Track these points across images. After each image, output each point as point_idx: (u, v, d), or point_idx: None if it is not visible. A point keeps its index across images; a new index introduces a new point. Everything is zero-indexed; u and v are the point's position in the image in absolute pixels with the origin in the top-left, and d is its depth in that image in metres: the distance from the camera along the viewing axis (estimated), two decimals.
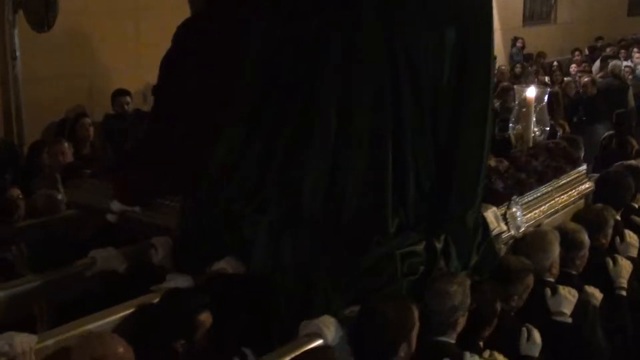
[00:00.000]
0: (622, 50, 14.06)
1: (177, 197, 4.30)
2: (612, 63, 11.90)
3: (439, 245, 3.75)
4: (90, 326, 3.34)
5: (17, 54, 7.22)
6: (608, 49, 14.43)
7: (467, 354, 3.48)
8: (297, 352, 3.15)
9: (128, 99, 7.92)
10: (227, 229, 4.01)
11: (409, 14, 3.96)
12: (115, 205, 4.43)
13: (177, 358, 3.35)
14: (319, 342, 3.24)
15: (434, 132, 3.97)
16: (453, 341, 3.60)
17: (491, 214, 4.08)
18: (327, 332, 3.28)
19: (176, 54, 4.77)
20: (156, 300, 3.56)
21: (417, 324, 3.36)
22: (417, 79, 3.93)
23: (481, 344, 3.74)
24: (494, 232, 4.06)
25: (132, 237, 4.36)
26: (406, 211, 3.82)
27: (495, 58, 4.22)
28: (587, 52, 14.83)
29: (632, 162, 5.98)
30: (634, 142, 7.75)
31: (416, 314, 3.38)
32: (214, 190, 4.10)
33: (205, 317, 3.42)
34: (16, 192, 5.03)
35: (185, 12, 4.99)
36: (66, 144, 6.49)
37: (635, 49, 13.61)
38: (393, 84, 3.87)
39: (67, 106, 7.73)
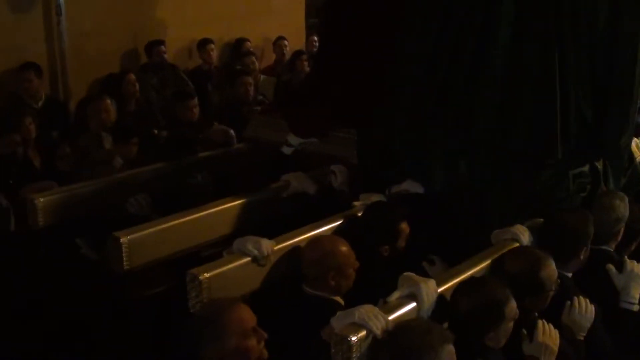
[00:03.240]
0: None
1: (351, 130, 4.70)
2: None
3: (599, 167, 4.24)
4: (311, 234, 3.81)
5: (63, 9, 7.12)
6: None
7: (627, 260, 3.95)
8: (499, 254, 3.61)
9: (163, 48, 7.86)
10: (403, 156, 4.42)
11: None
12: (293, 139, 4.83)
13: (383, 260, 3.86)
14: (516, 245, 3.74)
15: (591, 58, 4.24)
16: (612, 249, 4.11)
17: (634, 144, 4.61)
18: (522, 237, 3.76)
19: None
20: (359, 213, 4.06)
21: (593, 232, 3.87)
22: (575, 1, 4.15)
23: (626, 257, 4.24)
24: (637, 160, 4.58)
25: (303, 168, 4.67)
26: (569, 136, 4.19)
27: None
28: None
29: None
30: None
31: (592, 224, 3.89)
32: (390, 122, 4.46)
33: (405, 226, 3.93)
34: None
35: None
36: (109, 101, 6.21)
37: None
38: (556, 13, 4.11)
39: (112, 61, 7.69)
